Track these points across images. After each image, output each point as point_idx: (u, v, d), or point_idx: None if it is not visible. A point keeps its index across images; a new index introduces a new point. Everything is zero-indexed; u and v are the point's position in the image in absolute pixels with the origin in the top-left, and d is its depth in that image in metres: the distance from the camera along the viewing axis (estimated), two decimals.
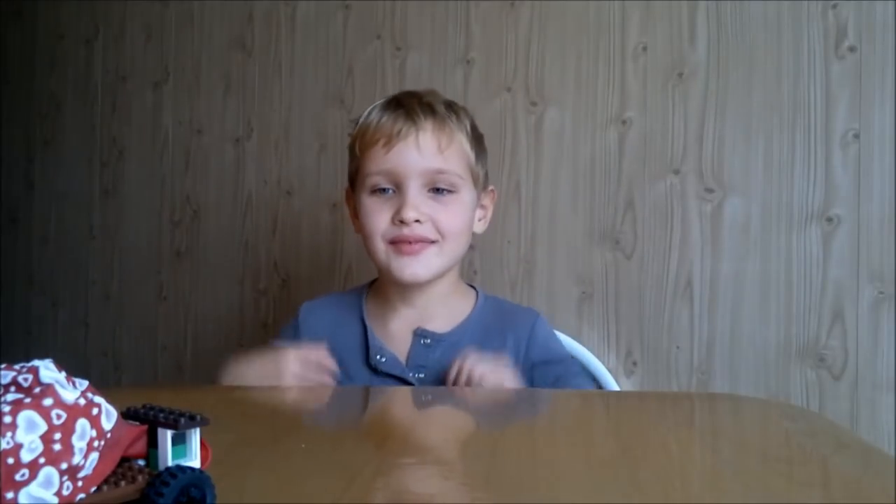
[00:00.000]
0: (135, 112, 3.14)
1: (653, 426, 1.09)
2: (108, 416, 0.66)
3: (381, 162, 1.75)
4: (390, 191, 1.76)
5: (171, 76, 3.06)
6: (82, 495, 0.63)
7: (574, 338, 2.30)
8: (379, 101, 1.86)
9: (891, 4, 2.15)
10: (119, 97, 3.18)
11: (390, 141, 1.74)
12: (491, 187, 1.97)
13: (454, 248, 1.80)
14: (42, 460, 0.59)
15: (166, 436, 0.69)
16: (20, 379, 0.64)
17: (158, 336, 3.05)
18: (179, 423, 0.69)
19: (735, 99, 2.28)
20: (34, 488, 0.59)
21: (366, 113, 1.84)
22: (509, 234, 2.47)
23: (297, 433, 1.23)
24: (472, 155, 1.83)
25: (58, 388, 0.63)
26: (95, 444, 0.64)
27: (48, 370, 0.65)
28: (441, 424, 1.21)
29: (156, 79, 3.09)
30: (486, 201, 1.95)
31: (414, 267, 1.75)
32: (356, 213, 1.85)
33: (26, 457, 0.59)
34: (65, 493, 0.61)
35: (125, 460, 0.69)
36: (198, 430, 0.71)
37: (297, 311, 1.95)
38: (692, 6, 2.31)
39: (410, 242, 1.74)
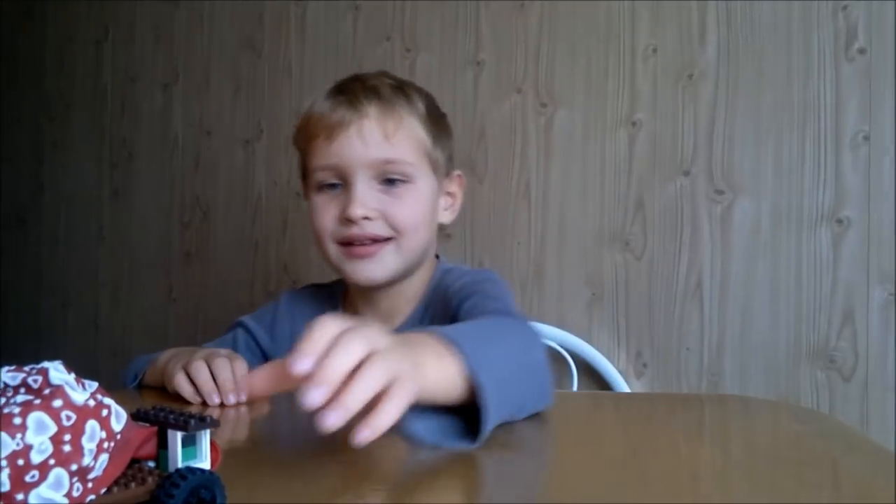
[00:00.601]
0: (144, 113, 3.14)
1: (662, 428, 1.09)
2: (118, 417, 0.66)
3: (325, 156, 1.63)
4: (338, 186, 1.64)
5: (180, 77, 3.06)
6: (92, 497, 0.63)
7: (584, 339, 2.31)
8: (323, 90, 1.72)
9: None
10: (128, 98, 3.19)
11: (332, 132, 1.61)
12: (457, 172, 1.82)
13: (414, 244, 1.66)
14: (52, 462, 0.60)
15: (176, 437, 0.70)
16: (30, 380, 0.64)
17: (168, 337, 3.05)
18: (189, 425, 0.70)
19: (745, 100, 2.28)
20: (44, 490, 0.59)
21: (309, 104, 1.72)
22: (519, 236, 2.47)
23: (304, 435, 1.23)
24: (427, 139, 1.68)
25: (67, 389, 0.63)
26: (105, 445, 0.64)
27: (58, 372, 0.65)
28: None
29: (165, 80, 3.09)
30: (453, 187, 1.81)
31: (369, 270, 1.64)
32: None
33: (36, 458, 0.59)
34: (75, 494, 0.61)
35: (135, 462, 0.69)
36: (208, 431, 0.72)
37: (279, 297, 1.89)
38: (702, 7, 2.31)
39: (363, 243, 1.62)
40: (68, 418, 0.61)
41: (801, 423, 1.32)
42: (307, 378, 0.78)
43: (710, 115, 2.30)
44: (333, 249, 1.65)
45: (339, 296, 1.84)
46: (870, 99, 2.17)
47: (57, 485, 0.60)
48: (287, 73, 2.83)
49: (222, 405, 1.31)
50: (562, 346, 2.34)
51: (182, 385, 1.34)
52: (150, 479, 0.68)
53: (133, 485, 0.67)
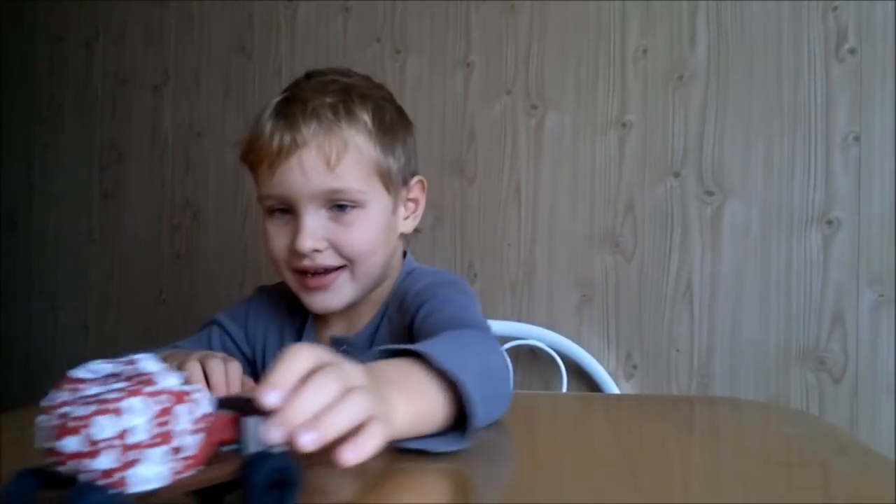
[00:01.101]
0: (134, 115, 3.13)
1: (652, 430, 1.09)
2: (205, 403, 0.72)
3: (269, 185, 1.54)
4: (288, 212, 1.55)
5: (170, 79, 3.06)
6: (184, 474, 0.69)
7: (574, 340, 2.31)
8: (273, 101, 1.61)
9: (891, 6, 2.15)
10: (119, 100, 3.18)
11: (273, 161, 1.52)
12: (417, 178, 1.71)
13: (367, 270, 1.58)
14: (149, 442, 0.66)
15: (256, 424, 0.74)
16: (126, 369, 0.71)
17: (158, 339, 3.04)
18: (268, 412, 0.74)
19: (735, 101, 2.28)
20: (144, 467, 0.65)
21: (255, 117, 1.62)
22: (509, 237, 2.47)
23: None
24: (376, 154, 1.56)
25: (161, 377, 0.69)
26: (194, 427, 0.70)
27: (151, 362, 0.71)
28: None
29: (156, 82, 3.09)
30: (415, 193, 1.71)
31: (324, 300, 1.58)
32: None
33: (134, 439, 0.65)
34: (170, 471, 0.67)
35: (219, 445, 0.74)
36: None
37: (254, 292, 1.83)
38: (692, 9, 2.32)
39: (316, 272, 1.55)
40: (162, 403, 0.67)
41: (791, 424, 1.32)
42: (275, 412, 0.75)
43: (700, 117, 2.31)
44: (289, 277, 1.59)
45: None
46: (860, 100, 2.18)
47: (154, 463, 0.66)
48: (277, 74, 2.83)
49: None
50: (551, 348, 2.34)
51: None
52: (234, 461, 0.73)
53: (219, 465, 0.72)
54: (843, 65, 2.20)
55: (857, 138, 2.18)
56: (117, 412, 0.65)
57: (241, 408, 0.76)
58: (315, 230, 1.52)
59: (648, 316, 2.33)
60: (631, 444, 1.06)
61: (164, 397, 0.68)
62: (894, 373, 2.14)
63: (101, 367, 0.73)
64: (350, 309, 1.65)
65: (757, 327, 2.25)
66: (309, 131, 1.51)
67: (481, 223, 2.49)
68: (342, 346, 1.62)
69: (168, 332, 3.00)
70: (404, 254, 1.77)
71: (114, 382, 0.69)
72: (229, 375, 1.32)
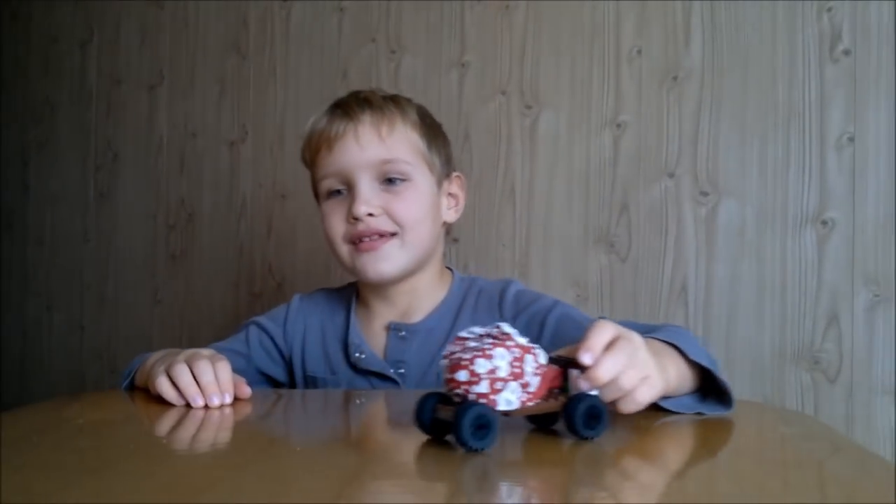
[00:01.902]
0: (129, 115, 3.13)
1: (647, 429, 1.09)
2: (543, 357, 1.05)
3: (328, 165, 1.73)
4: (343, 191, 1.73)
5: (165, 79, 3.06)
6: (529, 403, 1.03)
7: None
8: (323, 109, 1.82)
9: (886, 7, 2.16)
10: (114, 100, 3.18)
11: (331, 142, 1.72)
12: (456, 173, 1.90)
13: (417, 239, 1.74)
14: (509, 377, 1.00)
15: (575, 374, 1.06)
16: (493, 331, 1.04)
17: (153, 339, 3.04)
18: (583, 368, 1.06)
19: (730, 102, 2.28)
20: (506, 394, 1.00)
21: (309, 123, 1.81)
22: (504, 237, 2.48)
23: (292, 437, 1.23)
24: (421, 142, 1.77)
25: (516, 336, 1.04)
26: (537, 371, 1.04)
27: (509, 327, 1.05)
28: (394, 432, 1.21)
29: (150, 82, 3.09)
30: (454, 188, 1.89)
31: (377, 264, 1.71)
32: None
33: (500, 374, 1.00)
34: (521, 399, 1.02)
35: (550, 388, 1.06)
36: None
37: (291, 299, 1.94)
38: (687, 9, 2.32)
39: (369, 238, 1.70)
40: (517, 352, 1.01)
41: (786, 424, 1.32)
42: (587, 371, 1.06)
43: (694, 117, 2.31)
44: (345, 249, 1.74)
45: (353, 297, 1.89)
46: (854, 100, 2.18)
47: (512, 392, 1.01)
48: (272, 74, 2.83)
49: (206, 406, 1.32)
50: None
51: (164, 389, 1.36)
52: (561, 398, 1.06)
53: (551, 400, 1.06)
54: (837, 65, 2.20)
55: (851, 139, 2.18)
56: (489, 357, 0.99)
57: (565, 363, 1.07)
58: (370, 197, 1.70)
59: (643, 316, 2.33)
60: (626, 444, 1.06)
61: (517, 349, 1.02)
62: (889, 373, 2.14)
63: (475, 329, 1.07)
64: (400, 301, 1.83)
65: (752, 327, 2.25)
66: (363, 112, 1.73)
67: (476, 223, 2.49)
68: (401, 332, 1.79)
69: (163, 333, 3.00)
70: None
71: (486, 339, 1.04)
72: (219, 375, 1.37)
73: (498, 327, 1.05)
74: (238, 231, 2.88)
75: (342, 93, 2.49)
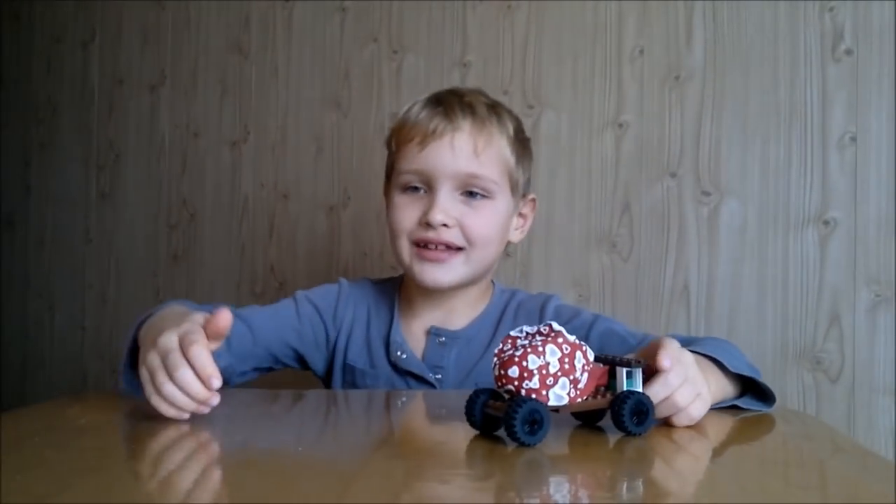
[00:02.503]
0: (131, 115, 3.13)
1: (652, 429, 1.09)
2: (590, 354, 1.08)
3: (415, 160, 1.69)
4: (422, 190, 1.70)
5: (167, 79, 3.05)
6: (577, 399, 1.06)
7: None
8: (421, 97, 1.78)
9: (888, 7, 2.16)
10: (116, 100, 3.17)
11: (425, 139, 1.67)
12: (532, 195, 1.88)
13: (482, 257, 1.73)
14: (559, 373, 1.03)
15: (622, 373, 1.10)
16: (542, 329, 1.07)
17: None
18: (631, 364, 1.10)
19: (732, 102, 2.28)
20: (556, 390, 1.03)
21: (405, 108, 1.77)
22: None
23: (295, 436, 1.23)
24: (511, 159, 1.74)
25: (565, 334, 1.06)
26: (586, 368, 1.07)
27: (558, 325, 1.07)
28: (443, 428, 1.21)
29: (152, 82, 3.08)
30: (526, 210, 1.88)
31: (437, 273, 1.69)
32: (388, 210, 1.79)
33: (552, 370, 1.02)
34: (570, 395, 1.05)
35: (597, 386, 1.11)
36: (640, 369, 1.11)
37: (339, 281, 1.89)
38: (689, 9, 2.32)
39: (436, 247, 1.68)
40: (566, 349, 1.04)
41: (787, 424, 1.32)
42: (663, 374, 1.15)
43: (696, 117, 2.31)
44: (407, 248, 1.72)
45: (397, 293, 1.87)
46: (857, 100, 2.18)
47: (562, 387, 1.04)
48: (274, 74, 2.83)
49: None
50: None
51: (167, 411, 1.18)
52: (608, 395, 1.11)
53: (599, 397, 1.10)
54: (839, 65, 2.20)
55: (853, 138, 2.18)
56: (541, 353, 1.02)
57: (612, 362, 1.12)
58: (448, 207, 1.67)
59: (645, 316, 2.33)
60: (627, 444, 1.06)
61: (567, 346, 1.04)
62: (891, 373, 2.14)
63: (526, 328, 1.09)
64: (444, 306, 1.81)
65: (753, 327, 2.25)
66: (465, 119, 1.69)
67: None
68: (441, 338, 1.78)
69: None
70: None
71: (537, 336, 1.06)
72: (201, 373, 1.18)
73: (549, 325, 1.07)
74: (240, 231, 2.87)
75: (344, 93, 2.51)
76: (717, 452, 1.08)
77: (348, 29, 2.70)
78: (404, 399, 1.58)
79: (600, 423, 1.16)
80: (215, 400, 1.18)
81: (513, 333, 1.09)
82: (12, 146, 3.44)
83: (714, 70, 2.30)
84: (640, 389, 1.11)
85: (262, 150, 2.83)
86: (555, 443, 1.06)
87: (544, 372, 1.02)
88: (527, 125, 2.37)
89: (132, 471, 0.92)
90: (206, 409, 1.19)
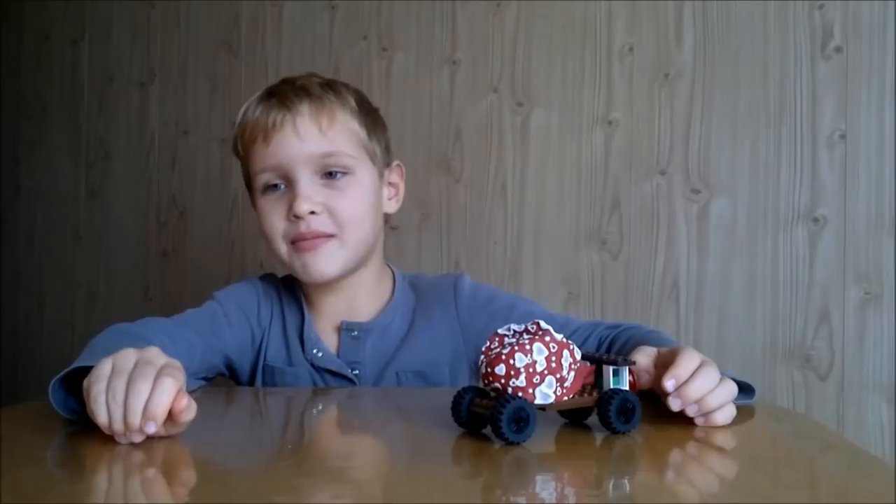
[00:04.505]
0: (121, 113, 3.13)
1: (638, 427, 1.09)
2: (577, 353, 1.08)
3: (265, 158, 1.63)
4: (282, 186, 1.64)
5: (157, 77, 3.05)
6: (564, 398, 1.07)
7: None
8: (254, 96, 1.71)
9: (877, 5, 2.16)
10: (105, 98, 3.17)
11: (268, 134, 1.61)
12: (396, 162, 1.81)
13: (358, 237, 1.66)
14: (546, 371, 1.03)
15: (609, 371, 1.11)
16: (530, 327, 1.07)
17: None
18: (617, 362, 1.11)
19: (721, 99, 2.29)
20: (542, 388, 1.03)
21: (242, 110, 1.71)
22: (495, 235, 2.47)
23: (284, 434, 1.23)
24: (361, 131, 1.68)
25: (552, 332, 1.06)
26: (573, 367, 1.07)
27: (545, 324, 1.06)
28: (429, 426, 1.22)
29: (142, 79, 3.08)
30: (395, 178, 1.81)
31: (318, 264, 1.63)
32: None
33: (539, 368, 1.03)
34: (557, 393, 1.05)
35: (584, 385, 1.11)
36: (627, 367, 1.12)
37: (251, 280, 1.82)
38: (678, 7, 2.32)
39: (308, 238, 1.61)
40: (554, 347, 1.04)
41: (777, 422, 1.32)
42: (674, 393, 1.16)
43: (686, 115, 2.31)
44: (284, 248, 1.65)
45: (300, 290, 1.79)
46: (846, 97, 2.18)
47: (549, 385, 1.04)
48: (263, 72, 2.82)
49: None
50: None
51: (113, 416, 1.00)
52: (594, 393, 1.11)
53: (586, 395, 1.10)
54: (829, 63, 2.21)
55: (842, 136, 2.18)
56: (527, 352, 1.02)
57: (599, 360, 1.12)
58: (311, 194, 1.60)
59: (635, 313, 2.33)
60: (616, 443, 1.06)
61: (554, 344, 1.04)
62: (880, 370, 2.15)
63: (513, 326, 1.09)
64: (343, 295, 1.73)
65: (743, 325, 2.25)
66: (302, 103, 1.63)
67: (467, 221, 2.49)
68: (353, 332, 1.71)
69: None
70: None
71: (524, 335, 1.06)
72: (154, 402, 1.02)
73: (536, 324, 1.07)
74: (229, 228, 2.87)
75: None
76: (705, 451, 1.08)
77: (338, 27, 2.70)
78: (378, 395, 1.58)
79: (587, 422, 1.15)
80: (151, 428, 1.00)
81: (500, 331, 1.10)
82: (2, 144, 3.44)
83: (703, 68, 2.30)
84: (626, 388, 1.11)
85: None
86: (541, 441, 1.05)
87: (531, 370, 1.02)
88: (516, 123, 2.38)
89: (124, 469, 0.91)
90: (139, 437, 1.02)
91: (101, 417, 1.01)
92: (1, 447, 1.00)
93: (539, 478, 0.93)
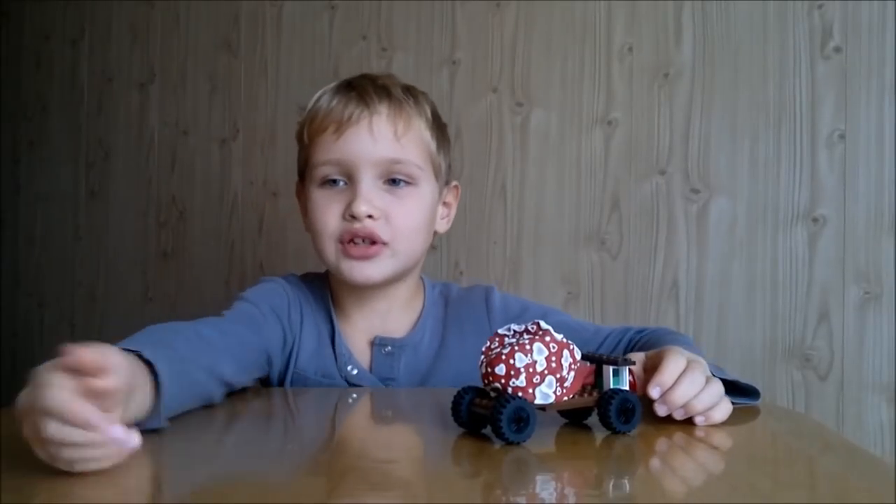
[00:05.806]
0: (121, 113, 3.13)
1: (638, 427, 1.09)
2: (577, 353, 1.09)
3: (331, 150, 1.58)
4: (341, 183, 1.59)
5: (157, 77, 3.05)
6: (564, 398, 1.07)
7: None
8: (330, 85, 1.67)
9: (876, 5, 2.16)
10: (105, 98, 3.17)
11: (341, 127, 1.57)
12: (454, 183, 1.79)
13: (409, 249, 1.63)
14: (546, 371, 1.04)
15: (609, 370, 1.11)
16: (530, 327, 1.07)
17: None
18: (618, 362, 1.11)
19: (721, 99, 2.29)
20: (542, 388, 1.04)
21: (315, 97, 1.66)
22: (495, 235, 2.47)
23: (284, 434, 1.23)
24: (432, 144, 1.66)
25: (552, 332, 1.06)
26: (573, 366, 1.08)
27: (545, 324, 1.07)
28: (429, 426, 1.21)
29: (142, 80, 3.08)
30: (450, 198, 1.79)
31: (365, 270, 1.58)
32: (306, 210, 1.67)
33: (539, 368, 1.03)
34: (557, 393, 1.05)
35: (584, 385, 1.11)
36: (627, 368, 1.12)
37: (276, 280, 1.72)
38: (678, 6, 2.32)
39: (362, 240, 1.56)
40: (554, 347, 1.04)
41: (776, 421, 1.32)
42: (659, 399, 1.18)
43: (685, 114, 2.31)
44: (332, 247, 1.60)
45: (328, 292, 1.74)
46: (845, 97, 2.18)
47: (549, 385, 1.04)
48: (263, 72, 2.82)
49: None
50: None
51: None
52: (594, 393, 1.11)
53: (586, 395, 1.10)
54: (828, 62, 2.21)
55: (842, 136, 2.18)
56: (527, 351, 1.02)
57: (599, 360, 1.12)
58: (372, 197, 1.57)
59: (635, 313, 2.33)
60: (616, 442, 1.06)
61: (554, 344, 1.04)
62: (880, 370, 2.15)
63: (514, 326, 1.09)
64: (378, 309, 1.70)
65: (743, 325, 2.25)
66: (381, 102, 1.59)
67: (467, 221, 2.49)
68: (386, 348, 1.67)
69: None
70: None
71: (525, 335, 1.06)
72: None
73: (536, 324, 1.07)
74: (229, 229, 2.87)
75: None
76: (705, 450, 1.08)
77: (337, 27, 2.70)
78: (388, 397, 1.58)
79: (587, 422, 1.16)
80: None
81: (500, 331, 1.10)
82: (2, 144, 3.44)
83: (703, 67, 2.30)
84: (626, 388, 1.11)
85: (251, 147, 2.83)
86: (541, 441, 1.05)
87: (531, 370, 1.02)
88: (516, 123, 2.38)
89: (123, 470, 0.91)
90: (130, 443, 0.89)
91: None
92: (1, 447, 1.00)
93: (539, 478, 0.93)
